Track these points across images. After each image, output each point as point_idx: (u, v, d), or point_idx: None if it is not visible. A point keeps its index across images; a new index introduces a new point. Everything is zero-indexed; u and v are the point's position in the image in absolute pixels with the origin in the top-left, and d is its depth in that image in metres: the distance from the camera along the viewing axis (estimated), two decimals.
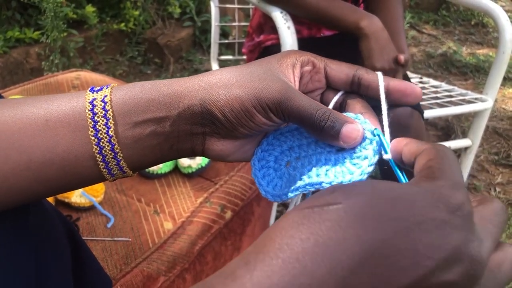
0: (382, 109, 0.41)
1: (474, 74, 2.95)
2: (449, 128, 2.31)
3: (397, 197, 0.28)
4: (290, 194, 0.42)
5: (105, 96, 0.39)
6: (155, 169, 0.95)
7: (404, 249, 0.26)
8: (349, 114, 0.41)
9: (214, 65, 1.72)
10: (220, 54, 1.76)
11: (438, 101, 1.48)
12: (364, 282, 0.25)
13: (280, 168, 0.44)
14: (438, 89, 1.59)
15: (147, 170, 0.95)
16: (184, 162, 0.95)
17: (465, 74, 2.96)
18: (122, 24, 2.65)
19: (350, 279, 0.25)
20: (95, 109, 0.39)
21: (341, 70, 0.42)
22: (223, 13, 2.59)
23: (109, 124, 0.39)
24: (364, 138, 0.40)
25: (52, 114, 0.39)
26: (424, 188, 0.29)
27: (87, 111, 0.39)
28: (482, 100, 1.48)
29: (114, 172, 0.41)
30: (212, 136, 0.42)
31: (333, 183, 0.40)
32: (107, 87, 0.40)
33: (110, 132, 0.39)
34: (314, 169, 0.42)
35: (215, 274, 0.27)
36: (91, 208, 0.86)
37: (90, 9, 2.39)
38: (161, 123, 0.40)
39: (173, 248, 0.82)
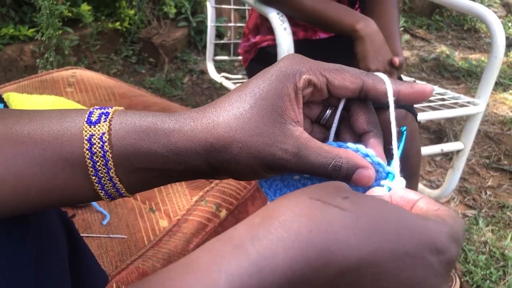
0: (393, 145, 0.40)
1: (466, 78, 2.98)
2: (441, 131, 2.33)
3: (402, 221, 0.30)
4: None
5: (103, 133, 0.37)
6: None
7: (388, 270, 0.29)
8: (360, 149, 0.39)
9: (210, 65, 1.73)
10: (215, 54, 1.77)
11: (431, 104, 1.50)
12: (349, 283, 0.28)
13: (287, 179, 0.43)
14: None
15: None
16: None
17: (457, 79, 2.99)
18: (117, 23, 2.65)
19: (340, 277, 0.28)
20: (93, 148, 0.37)
21: (345, 87, 0.39)
22: (218, 14, 2.60)
23: (109, 165, 0.37)
24: (377, 178, 0.40)
25: (50, 144, 0.37)
26: (429, 226, 0.30)
27: (85, 149, 0.37)
28: (474, 104, 1.50)
29: (116, 198, 0.41)
30: (220, 176, 0.41)
31: None
32: (106, 118, 0.38)
33: (110, 173, 0.38)
34: None
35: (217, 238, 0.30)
36: (86, 205, 0.86)
37: (85, 7, 2.39)
38: (166, 172, 0.39)
39: (168, 246, 0.82)
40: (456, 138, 2.22)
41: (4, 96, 1.07)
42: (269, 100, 0.37)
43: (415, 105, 1.38)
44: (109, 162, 0.37)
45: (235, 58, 1.82)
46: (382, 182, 0.39)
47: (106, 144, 0.37)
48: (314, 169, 0.37)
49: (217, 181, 0.99)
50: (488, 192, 1.94)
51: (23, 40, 2.30)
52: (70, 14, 2.34)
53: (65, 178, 0.38)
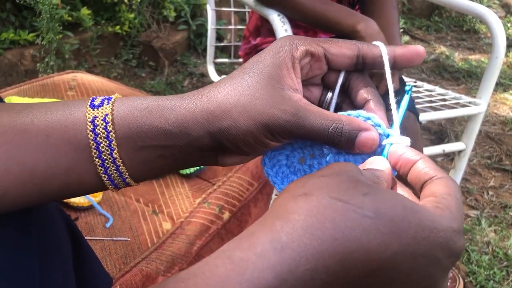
0: (389, 92, 0.40)
1: (467, 79, 2.98)
2: (442, 132, 2.33)
3: (420, 224, 0.30)
4: None
5: (106, 115, 0.38)
6: None
7: (401, 272, 0.29)
8: (361, 114, 0.39)
9: (210, 68, 1.73)
10: (215, 57, 1.76)
11: (432, 104, 1.50)
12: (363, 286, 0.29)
13: (293, 164, 0.43)
14: (432, 93, 1.61)
15: None
16: None
17: (457, 79, 2.99)
18: (117, 27, 2.65)
19: (356, 282, 0.28)
20: (96, 130, 0.37)
21: (343, 54, 0.39)
22: (218, 17, 2.60)
23: (112, 146, 0.38)
24: (381, 143, 0.39)
25: (53, 129, 0.37)
26: (443, 226, 0.31)
27: (88, 131, 0.37)
28: (476, 104, 1.50)
29: (119, 186, 0.41)
30: (224, 155, 0.41)
31: (321, 167, 0.39)
32: (108, 102, 0.39)
33: (114, 154, 0.38)
34: None
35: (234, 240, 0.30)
36: (89, 208, 0.86)
37: (85, 11, 2.39)
38: (169, 149, 0.39)
39: (172, 248, 0.82)
40: (457, 138, 2.22)
41: (6, 99, 1.07)
42: (266, 69, 0.38)
43: (416, 106, 1.38)
44: (113, 142, 0.37)
45: (235, 60, 1.82)
46: (384, 141, 0.39)
47: (109, 124, 0.37)
48: (315, 131, 0.37)
49: (220, 183, 0.99)
50: (490, 192, 1.94)
51: (23, 44, 2.30)
52: (70, 18, 2.34)
53: (68, 163, 0.38)
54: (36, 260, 0.44)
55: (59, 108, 0.39)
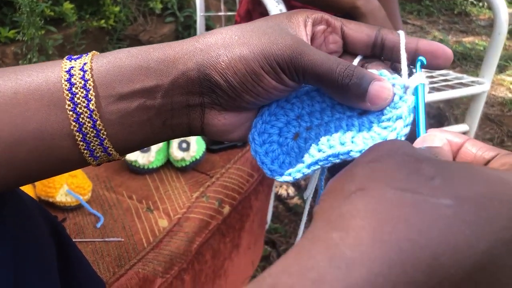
0: (402, 70, 0.36)
1: (461, 61, 2.94)
2: (441, 116, 2.28)
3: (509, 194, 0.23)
4: (306, 170, 0.35)
5: (85, 63, 0.34)
6: (146, 163, 0.88)
7: (505, 265, 0.21)
8: (371, 71, 0.35)
9: None
10: None
11: (435, 85, 1.44)
12: None
13: (287, 141, 0.38)
14: (433, 74, 1.55)
15: (137, 165, 0.88)
16: (177, 154, 0.89)
17: (452, 62, 2.94)
18: (102, 21, 2.56)
19: None
20: (72, 79, 0.33)
21: (361, 30, 0.37)
22: (206, 8, 2.53)
23: (89, 96, 0.33)
24: (394, 99, 0.35)
25: (22, 86, 0.33)
26: None
27: (63, 81, 0.33)
28: (480, 83, 1.44)
29: (98, 154, 0.35)
30: (212, 108, 0.36)
31: (363, 151, 0.34)
32: (87, 54, 0.35)
33: (90, 105, 0.33)
34: (335, 137, 0.36)
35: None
36: (78, 208, 0.79)
37: (68, 6, 2.30)
38: (151, 94, 0.34)
39: (169, 247, 0.76)
40: (457, 121, 2.17)
41: None
42: (275, 19, 0.35)
43: None
44: (90, 92, 0.33)
45: None
46: (410, 81, 0.35)
47: (87, 73, 0.33)
48: (322, 65, 0.33)
49: (218, 175, 0.92)
50: None
51: (4, 42, 2.20)
52: (52, 13, 2.25)
53: (38, 122, 0.33)
54: (10, 266, 0.38)
55: (31, 67, 0.34)
